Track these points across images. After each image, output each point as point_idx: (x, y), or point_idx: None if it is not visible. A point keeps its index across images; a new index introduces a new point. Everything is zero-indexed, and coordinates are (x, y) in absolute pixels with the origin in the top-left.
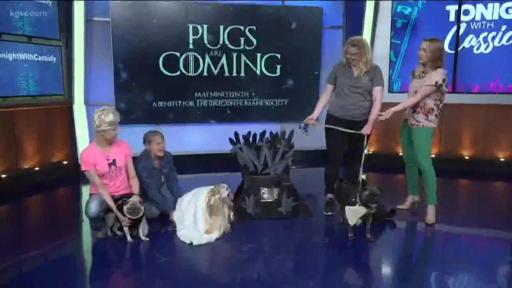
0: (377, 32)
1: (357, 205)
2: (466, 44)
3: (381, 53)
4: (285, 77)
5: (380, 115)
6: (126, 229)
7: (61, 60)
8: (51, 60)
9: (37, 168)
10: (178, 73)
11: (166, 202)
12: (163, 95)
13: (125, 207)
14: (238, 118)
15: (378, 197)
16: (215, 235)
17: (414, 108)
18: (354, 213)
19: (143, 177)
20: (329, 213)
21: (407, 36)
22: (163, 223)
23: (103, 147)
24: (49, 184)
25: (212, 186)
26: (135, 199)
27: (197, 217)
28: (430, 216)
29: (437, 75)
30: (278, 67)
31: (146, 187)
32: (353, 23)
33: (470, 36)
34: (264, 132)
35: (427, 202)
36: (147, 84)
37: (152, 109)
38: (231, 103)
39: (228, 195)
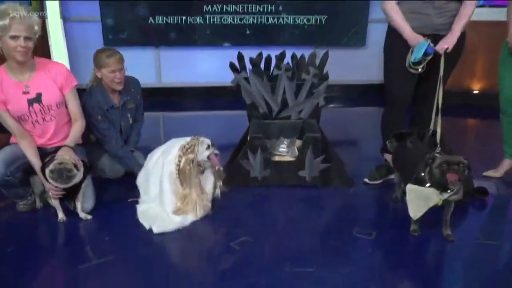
0: None
1: (427, 185)
2: None
3: None
4: None
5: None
6: (55, 201)
7: None
8: None
9: None
10: None
11: (132, 157)
12: (162, 8)
13: (47, 170)
14: (260, 41)
15: (463, 170)
16: (190, 217)
17: None
18: (420, 199)
19: (95, 121)
20: (376, 181)
21: None
22: (125, 189)
23: (19, 73)
24: None
25: (188, 139)
26: (64, 155)
27: (163, 187)
28: None
29: None
30: None
31: (102, 136)
32: None
33: None
34: (282, 55)
35: None
36: None
37: (148, 27)
38: (251, 20)
39: (208, 157)
